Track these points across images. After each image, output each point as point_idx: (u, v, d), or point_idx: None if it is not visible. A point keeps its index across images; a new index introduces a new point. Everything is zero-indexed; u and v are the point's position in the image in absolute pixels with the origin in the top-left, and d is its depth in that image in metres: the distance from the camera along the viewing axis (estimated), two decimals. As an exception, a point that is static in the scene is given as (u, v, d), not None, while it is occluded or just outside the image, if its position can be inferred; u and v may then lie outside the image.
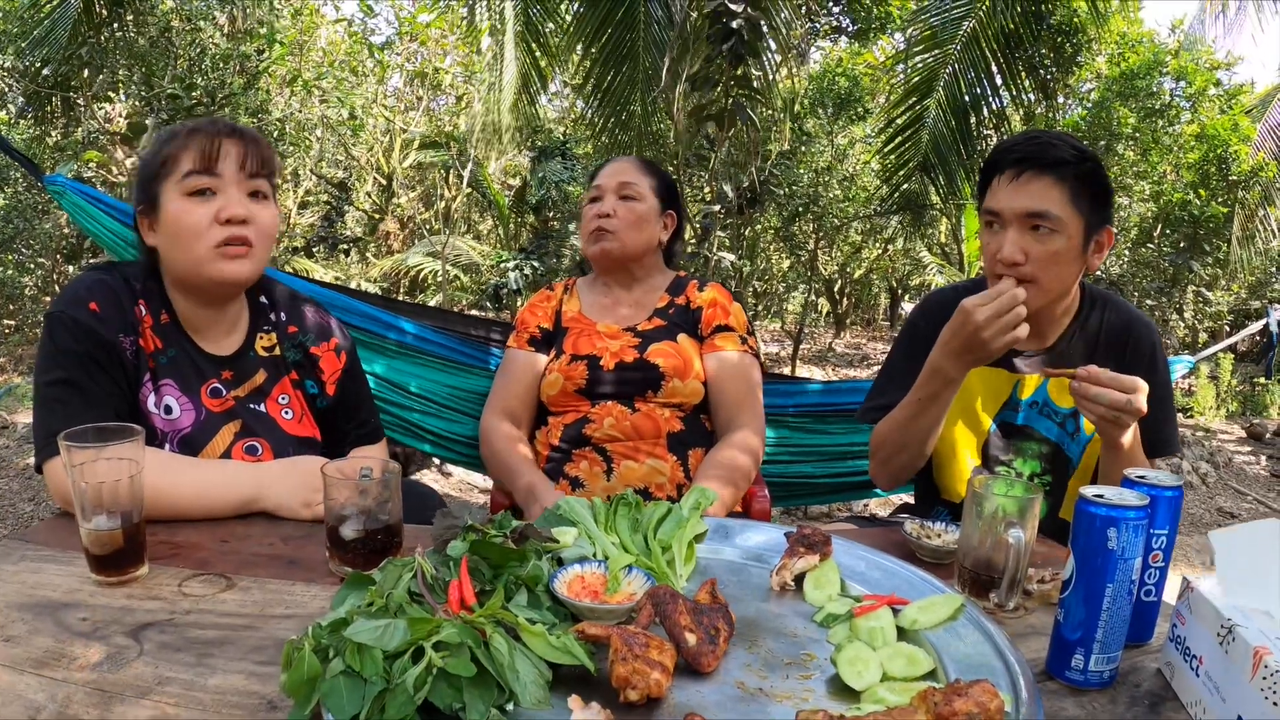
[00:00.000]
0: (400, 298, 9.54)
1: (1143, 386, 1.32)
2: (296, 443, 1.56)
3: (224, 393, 1.51)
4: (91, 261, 7.73)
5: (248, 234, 1.42)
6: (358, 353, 1.75)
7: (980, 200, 1.62)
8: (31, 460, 5.05)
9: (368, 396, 1.75)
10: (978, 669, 0.90)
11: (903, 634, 1.00)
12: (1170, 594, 1.04)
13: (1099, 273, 7.39)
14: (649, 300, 2.02)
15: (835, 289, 13.25)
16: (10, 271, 8.09)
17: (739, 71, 4.01)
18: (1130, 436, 1.43)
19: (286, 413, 1.58)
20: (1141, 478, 1.00)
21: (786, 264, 11.20)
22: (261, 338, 1.59)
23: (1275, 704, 0.77)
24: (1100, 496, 0.92)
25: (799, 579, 1.14)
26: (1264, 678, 0.78)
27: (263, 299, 1.62)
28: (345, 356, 1.68)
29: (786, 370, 8.61)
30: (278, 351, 1.60)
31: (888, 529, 1.56)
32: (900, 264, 11.82)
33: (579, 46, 5.37)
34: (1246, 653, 0.81)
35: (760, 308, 12.01)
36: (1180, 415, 7.62)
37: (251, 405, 1.54)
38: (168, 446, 1.43)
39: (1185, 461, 5.81)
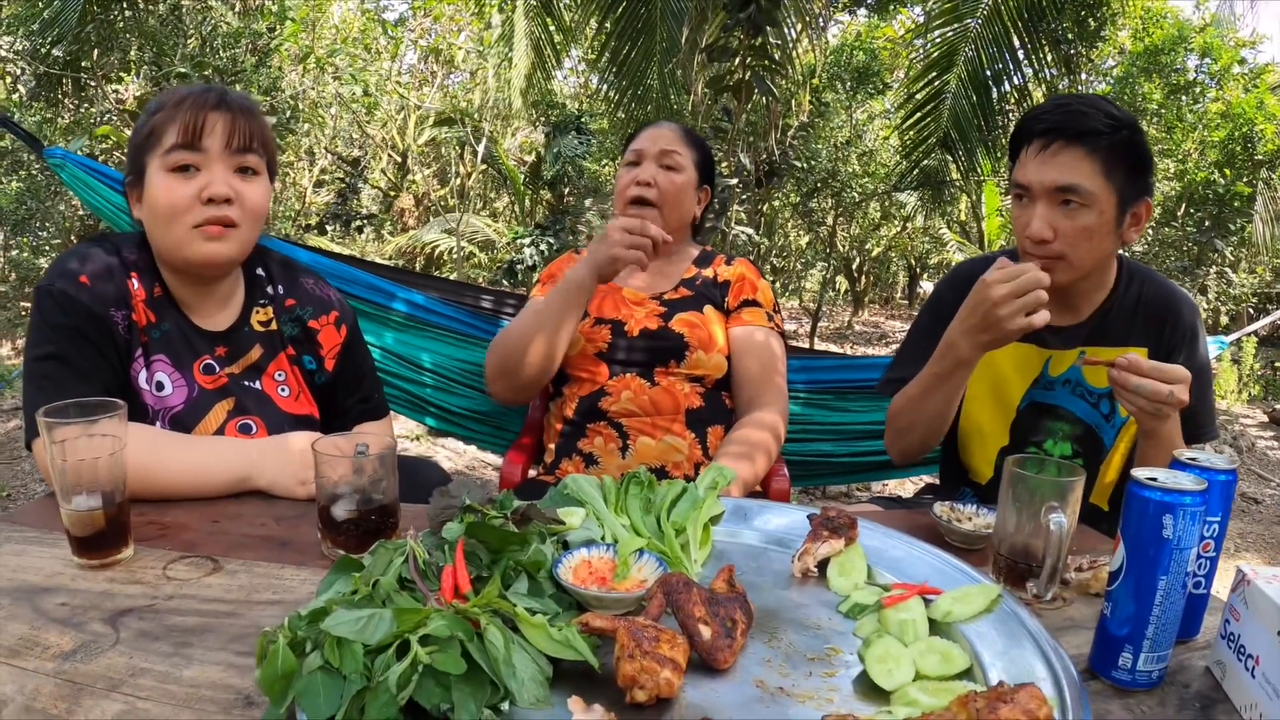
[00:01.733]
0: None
1: (1186, 377, 1.24)
2: (293, 421, 1.49)
3: (217, 369, 1.44)
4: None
5: (230, 214, 1.35)
6: (360, 325, 1.68)
7: (1010, 170, 1.53)
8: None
9: (370, 371, 1.68)
10: (1019, 668, 0.83)
11: (935, 627, 0.92)
12: (1219, 585, 0.97)
13: (1123, 251, 7.23)
14: (676, 270, 1.95)
15: (854, 266, 13.10)
16: (26, 254, 8.09)
17: (757, 42, 3.89)
18: (1171, 425, 1.35)
19: (283, 389, 1.51)
20: (1193, 460, 0.91)
21: (805, 241, 11.07)
22: (257, 312, 1.52)
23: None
24: (1154, 480, 0.84)
25: (822, 565, 1.07)
26: None
27: (259, 271, 1.54)
28: (346, 330, 1.60)
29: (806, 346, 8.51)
30: (274, 326, 1.53)
31: (914, 511, 1.48)
32: (919, 241, 11.65)
33: (594, 19, 5.27)
34: None
35: (779, 285, 11.90)
36: (1207, 398, 7.48)
37: (246, 383, 1.47)
38: (159, 424, 1.37)
39: (1210, 445, 5.68)
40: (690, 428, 1.80)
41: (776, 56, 4.26)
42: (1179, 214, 7.42)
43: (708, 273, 1.94)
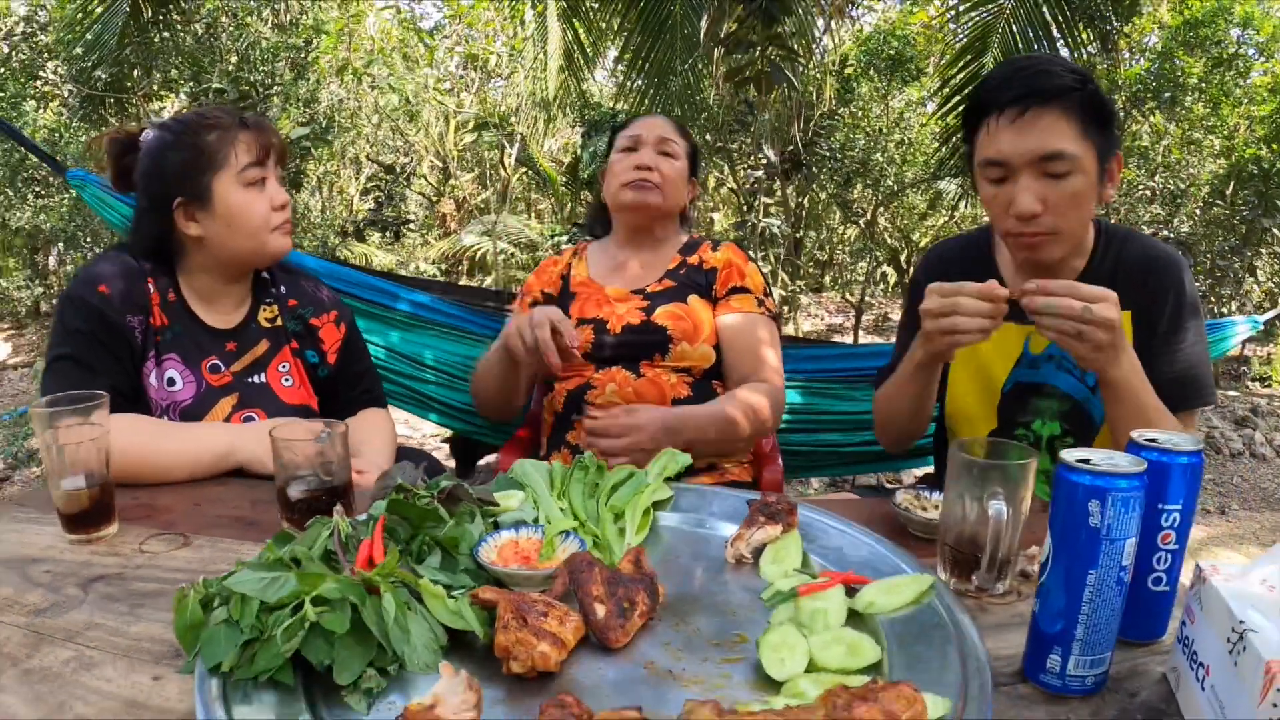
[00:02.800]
0: (460, 278, 9.66)
1: (1108, 296, 1.15)
2: (292, 412, 1.62)
3: (223, 369, 1.59)
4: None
5: (288, 215, 1.60)
6: (358, 324, 1.84)
7: (970, 151, 1.44)
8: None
9: (369, 365, 1.83)
10: (926, 664, 0.79)
11: (858, 619, 0.89)
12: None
13: (1167, 233, 6.99)
14: (660, 261, 1.96)
15: (901, 258, 12.90)
16: (79, 269, 8.40)
17: (773, 31, 3.86)
18: (1127, 371, 1.25)
19: (286, 380, 1.66)
20: (1152, 440, 0.83)
21: (852, 233, 10.93)
22: (264, 309, 1.68)
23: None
24: (1085, 462, 0.76)
25: (758, 552, 1.05)
26: (1275, 704, 0.62)
27: (264, 274, 1.70)
28: (345, 327, 1.77)
29: (849, 340, 8.43)
30: (279, 323, 1.68)
31: (881, 500, 1.47)
32: (967, 229, 11.41)
33: (616, 19, 5.29)
34: (1258, 667, 0.63)
35: (828, 279, 11.76)
36: (1256, 384, 7.21)
37: (250, 379, 1.61)
38: (168, 417, 1.51)
39: (1259, 432, 5.48)
40: None
41: (794, 45, 4.23)
42: (1227, 193, 7.14)
43: (692, 260, 1.94)
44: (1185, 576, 0.88)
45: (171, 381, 1.53)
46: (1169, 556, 0.85)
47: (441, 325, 2.54)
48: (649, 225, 1.95)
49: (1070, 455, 0.78)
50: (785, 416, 2.47)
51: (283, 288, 1.71)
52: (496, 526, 1.02)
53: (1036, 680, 0.80)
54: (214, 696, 0.72)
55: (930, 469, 2.56)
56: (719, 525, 1.16)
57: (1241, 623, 0.68)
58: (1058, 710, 0.77)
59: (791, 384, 2.28)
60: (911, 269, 13.72)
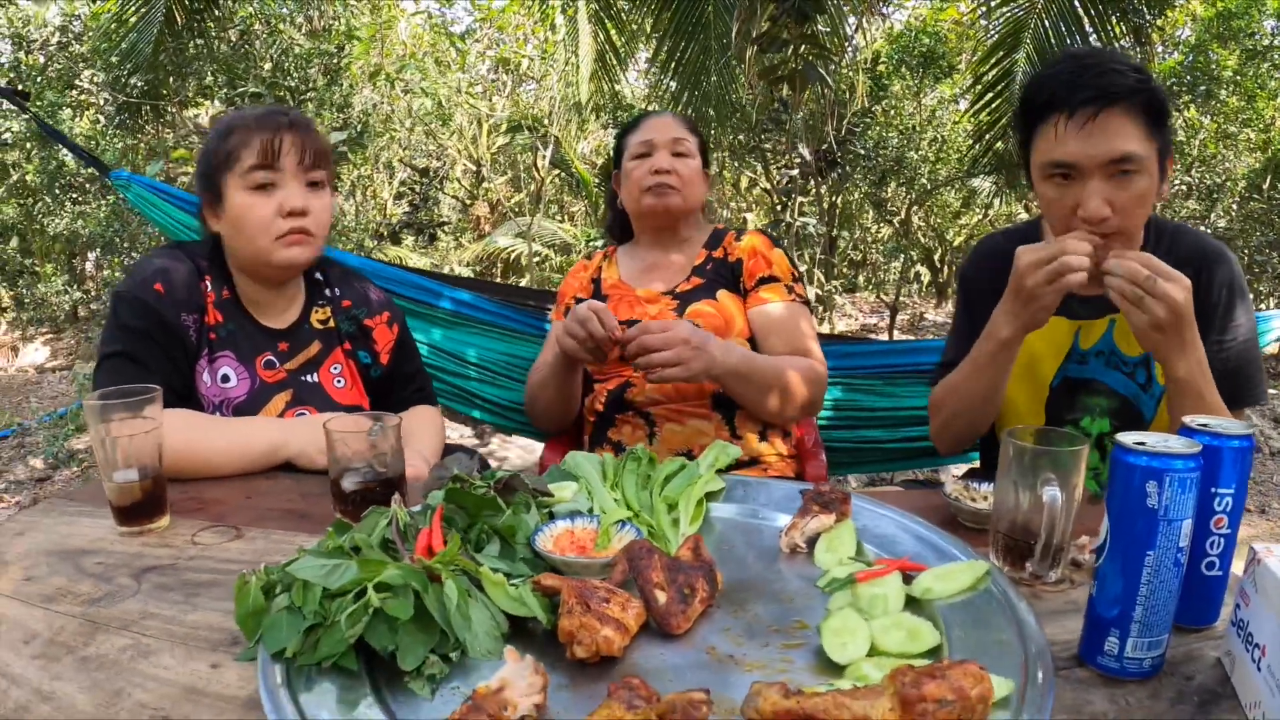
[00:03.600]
0: (495, 279, 9.71)
1: (1180, 279, 1.17)
2: (345, 410, 1.62)
3: (277, 365, 1.60)
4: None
5: (307, 225, 1.51)
6: (408, 324, 1.84)
7: (1026, 153, 1.43)
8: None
9: (420, 365, 1.84)
10: (986, 648, 0.78)
11: (915, 605, 0.89)
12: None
13: (1204, 228, 6.86)
14: (688, 259, 1.96)
15: (935, 257, 12.78)
16: (117, 274, 8.56)
17: (806, 30, 3.85)
18: (1193, 366, 1.24)
19: (339, 381, 1.66)
20: (1204, 425, 0.84)
21: (886, 233, 10.85)
22: (316, 311, 1.68)
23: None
24: (1141, 444, 0.77)
25: (814, 541, 1.05)
26: None
27: (317, 275, 1.71)
28: (397, 328, 1.77)
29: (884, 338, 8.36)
30: (332, 324, 1.69)
31: (929, 491, 1.45)
32: (1002, 228, 11.29)
33: (649, 20, 5.31)
34: None
35: (861, 279, 11.68)
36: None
37: (303, 377, 1.62)
38: (221, 414, 1.52)
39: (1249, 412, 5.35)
40: (716, 409, 1.81)
41: (827, 44, 4.21)
42: (1264, 187, 6.99)
43: (718, 253, 1.93)
44: (1236, 564, 0.87)
45: (226, 378, 1.54)
46: (1222, 541, 0.85)
47: (483, 323, 2.56)
48: (674, 226, 1.95)
49: (1126, 438, 0.78)
50: (827, 413, 2.47)
51: (336, 289, 1.71)
52: (552, 516, 1.02)
53: (1094, 663, 0.81)
54: (277, 682, 0.72)
55: (972, 464, 2.54)
56: (771, 515, 1.17)
57: None
58: (1115, 693, 0.78)
59: (832, 380, 2.26)
60: (946, 268, 13.63)
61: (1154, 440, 0.77)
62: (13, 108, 6.96)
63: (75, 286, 9.74)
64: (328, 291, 1.70)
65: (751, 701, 0.65)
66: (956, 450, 1.63)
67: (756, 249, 1.91)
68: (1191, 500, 0.75)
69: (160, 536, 1.17)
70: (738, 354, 1.67)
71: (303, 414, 1.57)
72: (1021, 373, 1.58)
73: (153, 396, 1.19)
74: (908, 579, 0.92)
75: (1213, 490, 0.82)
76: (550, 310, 2.06)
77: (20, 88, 4.12)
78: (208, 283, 1.55)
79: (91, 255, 9.97)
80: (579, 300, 1.97)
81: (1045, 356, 1.57)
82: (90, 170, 8.60)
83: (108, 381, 1.41)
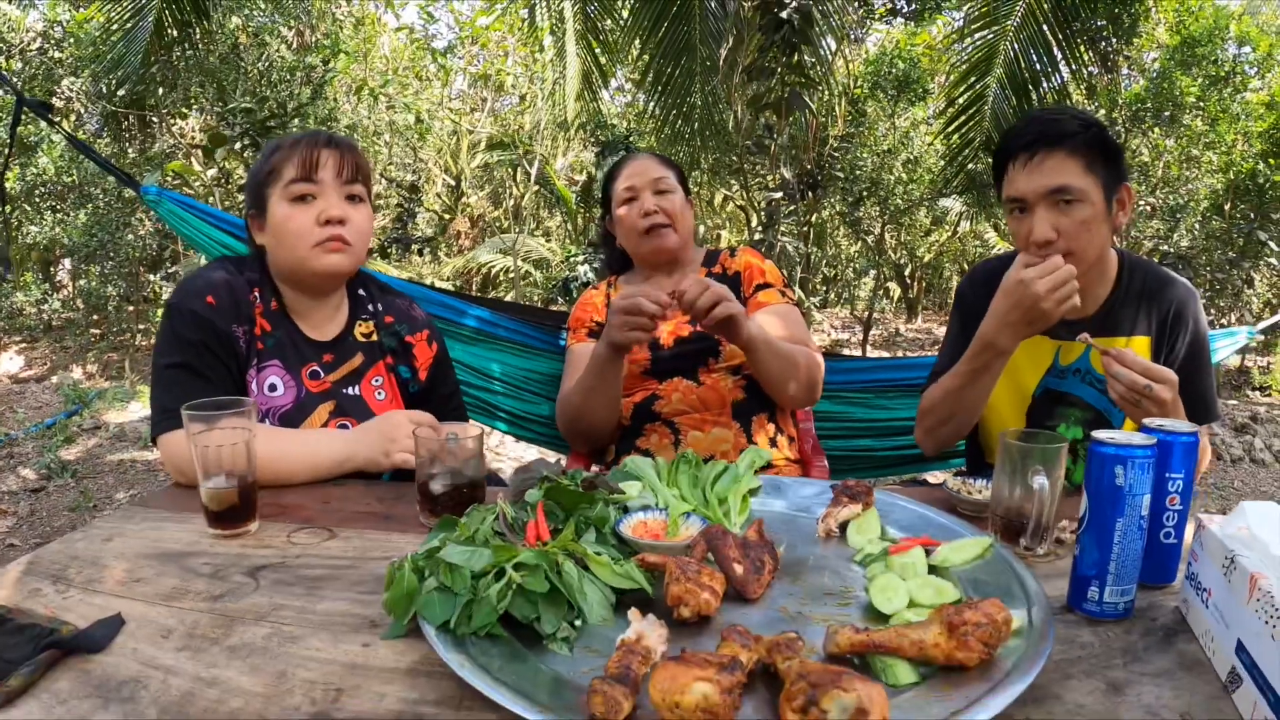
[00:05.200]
0: (473, 294, 9.80)
1: (1170, 379, 1.36)
2: None
3: (322, 375, 1.66)
4: (204, 262, 8.12)
5: (344, 233, 1.59)
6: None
7: (999, 191, 1.68)
8: (124, 455, 5.38)
9: (456, 384, 1.91)
10: (999, 597, 0.96)
11: (935, 571, 1.07)
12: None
13: (1167, 247, 7.19)
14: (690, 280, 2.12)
15: (906, 273, 13.10)
16: (94, 283, 8.53)
17: (793, 59, 4.06)
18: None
19: (379, 394, 1.72)
20: (1160, 426, 1.05)
21: (854, 249, 11.12)
22: (360, 324, 1.74)
23: (1267, 623, 0.80)
24: (1112, 439, 0.99)
25: (843, 527, 1.24)
26: (1258, 599, 0.82)
27: (361, 291, 1.78)
28: (436, 346, 1.84)
29: (856, 354, 8.58)
30: (375, 338, 1.75)
31: (930, 488, 1.64)
32: (970, 246, 11.64)
33: (636, 41, 5.47)
34: (1244, 579, 0.86)
35: (831, 295, 11.95)
36: (1256, 393, 7.39)
37: (346, 389, 1.68)
38: (268, 422, 1.59)
39: (1258, 439, 5.66)
40: (735, 418, 1.98)
41: (812, 74, 4.43)
42: (1225, 207, 7.35)
43: (717, 270, 2.12)
44: (1187, 537, 1.08)
45: (273, 387, 1.59)
46: (1175, 515, 1.07)
47: (504, 340, 2.69)
48: (673, 258, 2.13)
49: (1100, 434, 1.01)
50: (823, 423, 2.65)
51: (379, 305, 1.78)
52: (625, 510, 1.19)
53: (1079, 608, 1.02)
54: (450, 645, 0.85)
55: (956, 468, 2.74)
56: (805, 507, 1.35)
57: (1231, 551, 0.91)
58: (1098, 629, 0.99)
59: (828, 393, 2.45)
60: (916, 284, 13.93)
61: (1121, 436, 1.00)
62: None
63: (53, 295, 9.66)
64: (370, 306, 1.77)
65: (831, 638, 0.84)
66: (940, 450, 1.81)
67: (750, 263, 2.12)
68: (1149, 480, 0.98)
69: (256, 538, 1.24)
70: (758, 324, 1.84)
71: (345, 425, 1.63)
72: (1006, 383, 1.77)
73: (247, 409, 1.28)
74: (927, 552, 1.11)
75: (1167, 475, 1.04)
76: (567, 334, 2.21)
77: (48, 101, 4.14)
78: (257, 294, 1.61)
79: (66, 263, 9.90)
80: (598, 324, 2.14)
81: (1028, 369, 1.77)
82: (70, 178, 8.61)
83: (169, 392, 1.50)
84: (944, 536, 1.18)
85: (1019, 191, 1.59)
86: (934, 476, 3.64)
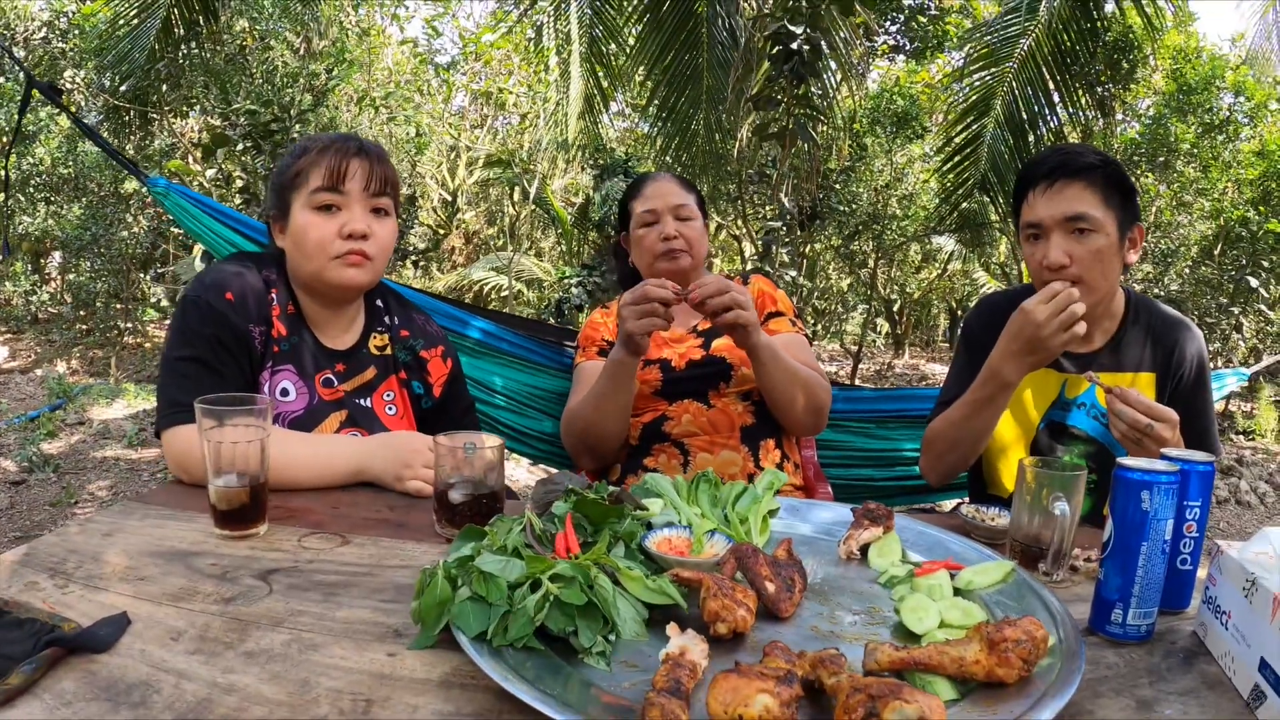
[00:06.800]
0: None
1: (1171, 419, 1.37)
2: None
3: (335, 384, 1.62)
4: (223, 256, 8.06)
5: (366, 248, 1.55)
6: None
7: (1016, 219, 1.71)
8: (107, 453, 5.30)
9: (470, 402, 1.89)
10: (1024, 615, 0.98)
11: (959, 594, 1.07)
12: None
13: (1159, 291, 7.29)
14: None
15: (895, 309, 13.20)
16: (84, 278, 8.46)
17: (800, 91, 4.11)
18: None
19: (390, 409, 1.69)
20: (1179, 455, 1.08)
21: (846, 283, 11.20)
22: (375, 337, 1.71)
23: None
24: (1137, 465, 1.01)
25: (864, 549, 1.23)
26: None
27: (378, 303, 1.74)
28: (451, 362, 1.80)
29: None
30: (389, 351, 1.72)
31: (945, 516, 1.65)
32: (960, 284, 11.75)
33: (642, 68, 5.52)
34: (1268, 600, 0.87)
35: (820, 327, 12.01)
36: (1241, 437, 7.47)
37: (358, 400, 1.65)
38: (279, 426, 1.54)
39: (1244, 481, 5.73)
40: (744, 442, 1.98)
41: (818, 105, 4.48)
42: (1215, 253, 7.47)
43: None
44: (1201, 567, 1.11)
45: (285, 392, 1.55)
46: (1192, 542, 1.09)
47: (507, 354, 2.67)
48: (686, 282, 2.13)
49: (1125, 461, 1.02)
50: (825, 451, 2.66)
51: (395, 319, 1.74)
52: (649, 527, 1.18)
53: (1103, 631, 1.03)
54: (488, 656, 0.82)
55: (959, 498, 2.74)
56: (822, 529, 1.35)
57: (1253, 574, 0.92)
58: (1121, 650, 1.00)
59: (832, 422, 2.45)
60: (904, 320, 14.03)
61: (1145, 463, 1.02)
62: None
63: (41, 287, 9.57)
64: (387, 319, 1.73)
65: (871, 655, 0.83)
66: (946, 481, 1.81)
67: (763, 290, 2.13)
68: (1173, 505, 1.00)
69: (266, 541, 1.21)
70: (765, 333, 1.84)
71: (355, 435, 1.59)
72: (1011, 415, 1.79)
73: (263, 407, 1.24)
74: (951, 575, 1.11)
75: (1184, 503, 1.06)
76: (576, 352, 2.20)
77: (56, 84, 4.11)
78: (274, 295, 1.57)
79: (57, 256, 9.82)
80: (609, 343, 2.13)
81: (1033, 402, 1.79)
82: (67, 170, 8.55)
83: (176, 385, 1.45)
84: (963, 561, 1.18)
85: (1037, 216, 1.63)
86: (940, 507, 3.65)
